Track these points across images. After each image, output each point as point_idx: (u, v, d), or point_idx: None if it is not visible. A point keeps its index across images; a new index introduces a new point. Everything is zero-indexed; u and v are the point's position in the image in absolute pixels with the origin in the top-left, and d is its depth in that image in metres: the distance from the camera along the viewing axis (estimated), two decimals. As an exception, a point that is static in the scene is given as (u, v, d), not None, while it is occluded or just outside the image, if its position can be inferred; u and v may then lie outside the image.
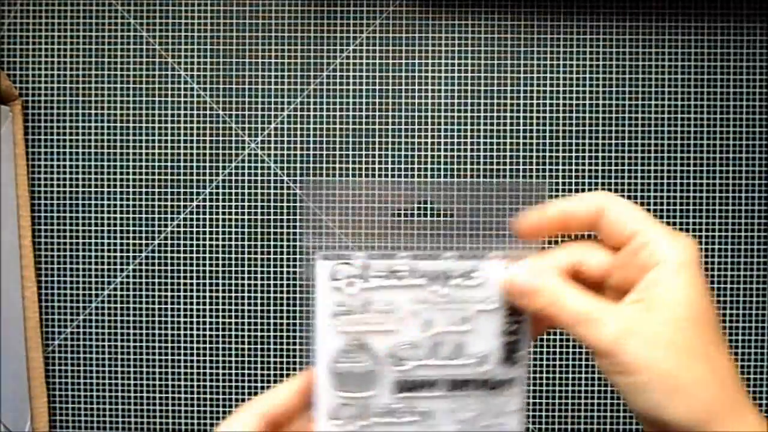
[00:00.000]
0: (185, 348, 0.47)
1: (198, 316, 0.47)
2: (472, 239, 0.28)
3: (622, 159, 0.46)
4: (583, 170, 0.46)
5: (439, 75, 0.46)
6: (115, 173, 0.47)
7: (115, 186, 0.47)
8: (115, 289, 0.47)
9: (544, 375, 0.46)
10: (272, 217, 0.46)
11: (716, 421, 0.22)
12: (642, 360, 0.23)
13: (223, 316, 0.47)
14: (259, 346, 0.47)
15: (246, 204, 0.46)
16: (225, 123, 0.46)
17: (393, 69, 0.46)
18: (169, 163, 0.47)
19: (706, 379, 0.23)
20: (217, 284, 0.47)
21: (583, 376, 0.46)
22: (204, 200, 0.47)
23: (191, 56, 0.46)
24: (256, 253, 0.46)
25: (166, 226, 0.47)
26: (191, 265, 0.47)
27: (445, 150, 0.43)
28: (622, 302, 0.24)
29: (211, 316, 0.47)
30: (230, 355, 0.47)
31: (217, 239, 0.47)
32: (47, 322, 0.47)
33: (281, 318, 0.46)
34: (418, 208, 0.28)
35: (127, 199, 0.47)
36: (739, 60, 0.46)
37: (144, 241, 0.47)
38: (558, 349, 0.46)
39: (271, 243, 0.46)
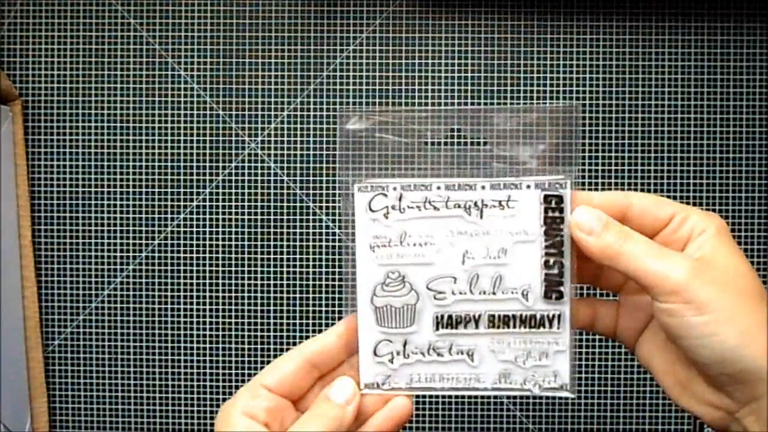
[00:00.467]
0: (185, 348, 0.47)
1: (198, 316, 0.47)
2: (507, 167, 0.27)
3: (622, 159, 0.46)
4: (583, 170, 0.46)
5: (439, 75, 0.46)
6: (115, 173, 0.47)
7: (115, 186, 0.47)
8: (115, 289, 0.47)
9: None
10: (272, 217, 0.46)
11: None
12: (716, 298, 0.23)
13: (223, 316, 0.47)
14: (259, 346, 0.47)
15: (246, 204, 0.46)
16: (225, 123, 0.46)
17: (393, 69, 0.46)
18: (169, 163, 0.47)
19: None
20: (217, 284, 0.47)
21: (583, 376, 0.46)
22: (204, 200, 0.47)
23: (191, 56, 0.46)
24: (256, 253, 0.46)
25: (166, 226, 0.47)
26: (191, 265, 0.47)
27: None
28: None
29: (211, 316, 0.47)
30: (230, 355, 0.47)
31: (217, 239, 0.47)
32: (47, 322, 0.47)
33: (281, 318, 0.46)
34: (452, 137, 0.28)
35: (127, 199, 0.47)
36: (739, 60, 0.46)
37: (144, 241, 0.47)
38: (558, 349, 0.46)
39: (271, 243, 0.46)
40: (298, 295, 0.47)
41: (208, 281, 0.47)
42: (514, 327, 0.27)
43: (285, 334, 0.46)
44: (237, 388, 0.46)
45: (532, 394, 0.27)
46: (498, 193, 0.27)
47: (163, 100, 0.46)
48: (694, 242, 0.25)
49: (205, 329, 0.47)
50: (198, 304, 0.47)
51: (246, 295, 0.47)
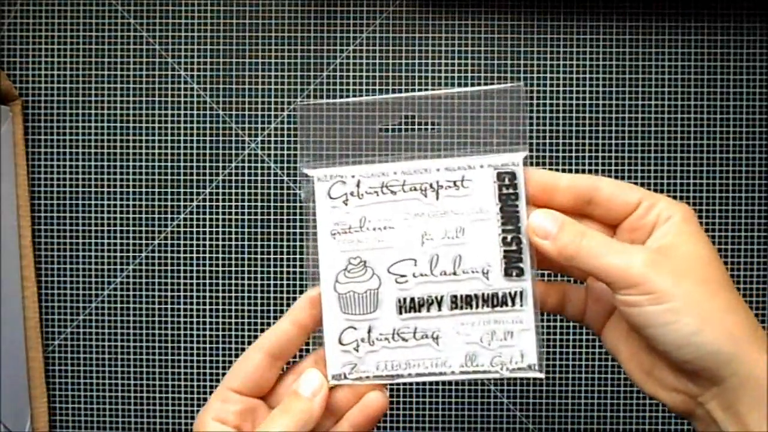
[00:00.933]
0: (185, 348, 0.47)
1: (198, 316, 0.47)
2: (460, 149, 0.28)
3: (622, 159, 0.46)
4: (583, 170, 0.46)
5: (439, 75, 0.46)
6: (115, 173, 0.47)
7: (115, 186, 0.47)
8: (115, 289, 0.47)
9: (544, 374, 0.46)
10: (272, 217, 0.46)
11: (748, 343, 0.23)
12: (674, 287, 0.23)
13: (223, 316, 0.47)
14: (259, 346, 0.46)
15: (246, 204, 0.46)
16: (225, 123, 0.46)
17: (393, 69, 0.46)
18: (169, 163, 0.47)
19: (733, 307, 0.24)
20: (217, 284, 0.47)
21: (583, 376, 0.46)
22: (204, 200, 0.47)
23: (191, 56, 0.46)
24: (256, 253, 0.46)
25: (166, 226, 0.47)
26: (191, 264, 0.47)
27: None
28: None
29: (211, 316, 0.47)
30: (230, 355, 0.47)
31: (217, 239, 0.47)
32: (47, 322, 0.47)
33: (279, 317, 0.46)
34: (404, 122, 0.28)
35: (127, 199, 0.47)
36: (739, 60, 0.46)
37: (144, 241, 0.47)
38: (558, 349, 0.46)
39: (271, 243, 0.46)
40: (298, 295, 0.47)
41: (208, 281, 0.47)
42: (477, 307, 0.27)
43: (285, 334, 0.46)
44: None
45: (501, 377, 0.28)
46: (452, 174, 0.27)
47: (163, 100, 0.46)
48: (660, 229, 0.25)
49: (205, 329, 0.47)
50: (198, 304, 0.47)
51: (246, 295, 0.47)
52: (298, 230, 0.46)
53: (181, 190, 0.47)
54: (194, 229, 0.47)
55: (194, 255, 0.47)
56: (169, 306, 0.47)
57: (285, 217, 0.46)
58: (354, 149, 0.28)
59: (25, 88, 0.47)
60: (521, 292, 0.27)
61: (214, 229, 0.47)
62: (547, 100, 0.46)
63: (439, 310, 0.27)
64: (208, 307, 0.47)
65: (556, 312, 0.29)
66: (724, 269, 0.24)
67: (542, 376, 0.28)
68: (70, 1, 0.46)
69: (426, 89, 0.46)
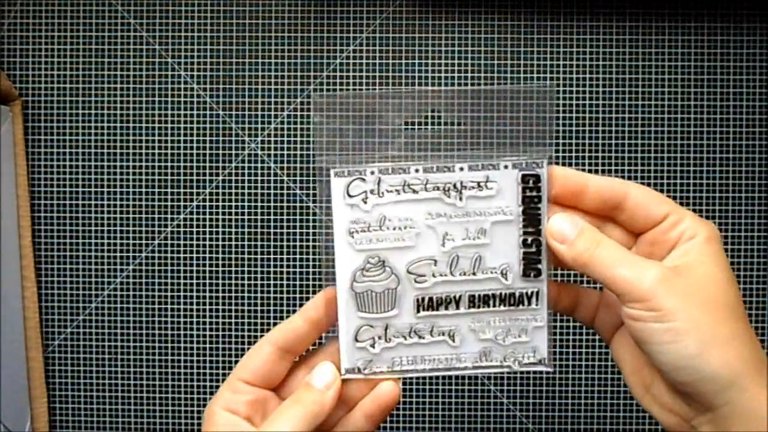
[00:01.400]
0: (185, 348, 0.47)
1: (198, 316, 0.47)
2: (484, 148, 0.27)
3: (622, 159, 0.46)
4: (583, 170, 0.46)
5: (439, 75, 0.46)
6: (115, 173, 0.47)
7: (115, 186, 0.47)
8: (115, 289, 0.47)
9: (544, 374, 0.46)
10: (272, 217, 0.46)
11: (748, 375, 0.23)
12: (681, 307, 0.23)
13: (223, 316, 0.47)
14: (259, 346, 0.46)
15: (246, 204, 0.46)
16: (225, 123, 0.46)
17: (393, 69, 0.46)
18: (169, 163, 0.47)
19: (740, 335, 0.24)
20: (217, 284, 0.47)
21: (584, 376, 0.46)
22: (204, 200, 0.47)
23: (191, 56, 0.46)
24: (256, 253, 0.46)
25: (166, 226, 0.47)
26: (191, 265, 0.47)
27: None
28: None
29: (211, 316, 0.47)
30: (230, 355, 0.47)
31: (217, 239, 0.47)
32: (47, 322, 0.47)
33: (281, 318, 0.46)
34: (428, 119, 0.28)
35: (127, 199, 0.47)
36: (739, 60, 0.46)
37: (144, 241, 0.47)
38: (558, 349, 0.46)
39: (271, 243, 0.46)
40: (298, 295, 0.47)
41: (208, 281, 0.47)
42: (494, 306, 0.27)
43: (285, 334, 0.46)
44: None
45: (512, 371, 0.28)
46: (476, 174, 0.27)
47: (163, 100, 0.46)
48: (680, 247, 0.25)
49: (205, 329, 0.47)
50: (198, 304, 0.47)
51: (246, 295, 0.47)
52: (298, 230, 0.46)
53: (181, 190, 0.47)
54: (194, 229, 0.47)
55: (194, 255, 0.47)
56: (169, 306, 0.47)
57: (285, 217, 0.46)
58: (373, 143, 0.28)
59: (25, 88, 0.47)
60: (537, 292, 0.27)
61: (214, 229, 0.47)
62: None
63: (457, 308, 0.28)
64: (208, 307, 0.47)
65: (567, 314, 0.29)
66: (738, 296, 0.24)
67: (551, 370, 0.28)
68: (70, 1, 0.46)
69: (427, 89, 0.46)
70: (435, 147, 0.27)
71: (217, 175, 0.47)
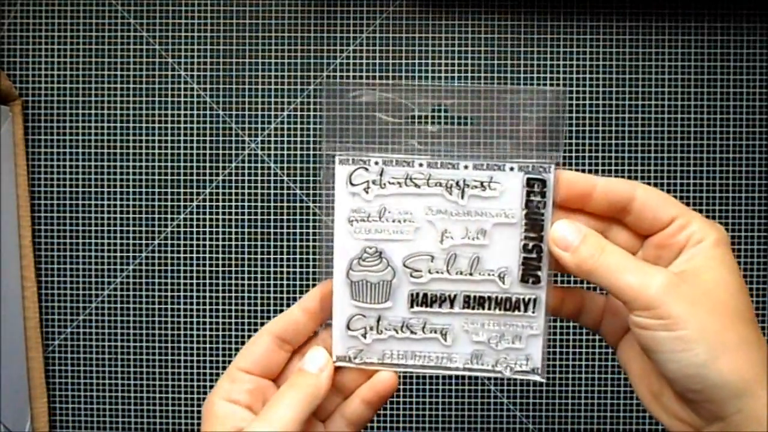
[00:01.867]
0: (185, 348, 0.47)
1: (198, 316, 0.47)
2: (491, 149, 0.27)
3: (622, 159, 0.46)
4: (583, 170, 0.46)
5: (440, 75, 0.46)
6: (115, 173, 0.47)
7: (115, 186, 0.47)
8: (115, 289, 0.47)
9: (545, 380, 0.46)
10: (272, 217, 0.46)
11: (758, 382, 0.22)
12: (689, 315, 0.23)
13: (223, 316, 0.47)
14: (259, 346, 0.46)
15: (246, 204, 0.46)
16: (225, 123, 0.46)
17: (393, 69, 0.46)
18: (169, 163, 0.47)
19: (750, 341, 0.23)
20: (217, 284, 0.47)
21: (584, 376, 0.46)
22: (204, 200, 0.47)
23: (191, 56, 0.46)
24: (256, 253, 0.46)
25: (166, 226, 0.47)
26: (191, 264, 0.47)
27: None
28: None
29: (211, 316, 0.47)
30: (230, 355, 0.47)
31: (217, 239, 0.47)
32: (47, 322, 0.47)
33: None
34: (437, 114, 0.27)
35: (128, 199, 0.47)
36: (739, 60, 0.46)
37: (144, 241, 0.47)
38: (558, 350, 0.46)
39: (271, 243, 0.46)
40: (298, 295, 0.47)
41: (208, 281, 0.47)
42: (489, 309, 0.27)
43: (285, 334, 0.46)
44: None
45: (503, 377, 0.28)
46: (480, 174, 0.27)
47: (163, 100, 0.46)
48: (688, 251, 0.24)
49: (205, 329, 0.47)
50: (198, 303, 0.47)
51: (246, 295, 0.47)
52: (298, 230, 0.46)
53: (181, 190, 0.47)
54: (194, 229, 0.47)
55: (194, 255, 0.47)
56: (169, 306, 0.47)
57: (285, 217, 0.46)
58: (379, 134, 0.27)
59: (25, 88, 0.47)
60: (535, 300, 0.27)
61: (214, 229, 0.47)
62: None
63: (451, 307, 0.27)
64: (208, 306, 0.47)
65: (571, 319, 0.29)
66: (747, 300, 0.24)
67: (543, 380, 0.28)
68: (70, 1, 0.46)
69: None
70: (441, 143, 0.27)
71: (217, 175, 0.47)
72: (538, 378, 0.28)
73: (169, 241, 0.47)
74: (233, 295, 0.47)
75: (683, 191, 0.46)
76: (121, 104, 0.47)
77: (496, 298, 0.27)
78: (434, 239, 0.27)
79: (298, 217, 0.46)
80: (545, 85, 0.46)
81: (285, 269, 0.46)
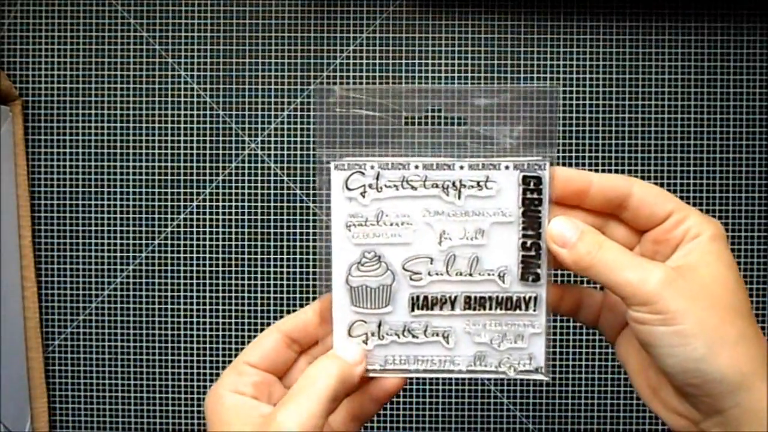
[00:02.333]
0: (185, 348, 0.47)
1: (198, 316, 0.47)
2: (486, 148, 0.27)
3: (622, 159, 0.46)
4: (582, 170, 0.46)
5: (440, 75, 0.46)
6: (115, 173, 0.47)
7: (115, 186, 0.47)
8: (115, 289, 0.47)
9: (549, 378, 0.46)
10: (272, 217, 0.46)
11: (756, 376, 0.22)
12: (687, 309, 0.23)
13: (223, 316, 0.47)
14: (259, 346, 0.46)
15: (246, 204, 0.46)
16: (225, 123, 0.46)
17: (393, 69, 0.46)
18: (169, 163, 0.47)
19: (748, 335, 0.23)
20: (217, 284, 0.47)
21: (584, 376, 0.46)
22: (204, 200, 0.47)
23: (191, 56, 0.46)
24: (256, 253, 0.46)
25: (166, 226, 0.47)
26: (191, 264, 0.47)
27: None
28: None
29: (211, 316, 0.47)
30: (230, 355, 0.47)
31: (217, 239, 0.47)
32: (47, 322, 0.47)
33: (282, 318, 0.46)
34: (430, 115, 0.27)
35: (128, 199, 0.47)
36: (739, 60, 0.46)
37: (144, 241, 0.47)
38: (559, 349, 0.46)
39: (271, 243, 0.46)
40: (298, 295, 0.47)
41: (208, 281, 0.47)
42: (490, 309, 0.27)
43: (285, 334, 0.46)
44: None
45: (507, 377, 0.27)
46: (476, 174, 0.27)
47: (163, 100, 0.46)
48: (685, 246, 0.25)
49: (205, 329, 0.47)
50: (198, 303, 0.47)
51: (246, 295, 0.47)
52: (298, 230, 0.46)
53: (181, 190, 0.47)
54: (194, 229, 0.47)
55: (194, 255, 0.47)
56: (169, 306, 0.47)
57: (285, 217, 0.46)
58: (374, 138, 0.27)
59: (25, 88, 0.47)
60: (535, 297, 0.27)
61: (214, 229, 0.47)
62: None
63: (452, 309, 0.27)
64: (208, 306, 0.47)
65: (570, 316, 0.29)
66: (745, 295, 0.24)
67: (548, 379, 0.28)
68: (70, 1, 0.46)
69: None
70: (436, 144, 0.27)
71: (217, 175, 0.47)
72: (542, 377, 0.28)
73: (169, 241, 0.47)
74: (233, 295, 0.47)
75: (683, 191, 0.46)
76: (121, 104, 0.47)
77: (497, 297, 0.27)
78: (433, 241, 0.27)
79: (298, 217, 0.46)
80: (544, 84, 0.46)
81: (285, 269, 0.47)
